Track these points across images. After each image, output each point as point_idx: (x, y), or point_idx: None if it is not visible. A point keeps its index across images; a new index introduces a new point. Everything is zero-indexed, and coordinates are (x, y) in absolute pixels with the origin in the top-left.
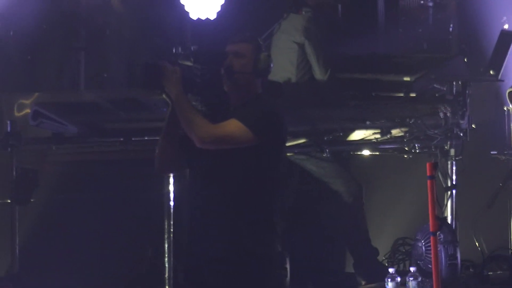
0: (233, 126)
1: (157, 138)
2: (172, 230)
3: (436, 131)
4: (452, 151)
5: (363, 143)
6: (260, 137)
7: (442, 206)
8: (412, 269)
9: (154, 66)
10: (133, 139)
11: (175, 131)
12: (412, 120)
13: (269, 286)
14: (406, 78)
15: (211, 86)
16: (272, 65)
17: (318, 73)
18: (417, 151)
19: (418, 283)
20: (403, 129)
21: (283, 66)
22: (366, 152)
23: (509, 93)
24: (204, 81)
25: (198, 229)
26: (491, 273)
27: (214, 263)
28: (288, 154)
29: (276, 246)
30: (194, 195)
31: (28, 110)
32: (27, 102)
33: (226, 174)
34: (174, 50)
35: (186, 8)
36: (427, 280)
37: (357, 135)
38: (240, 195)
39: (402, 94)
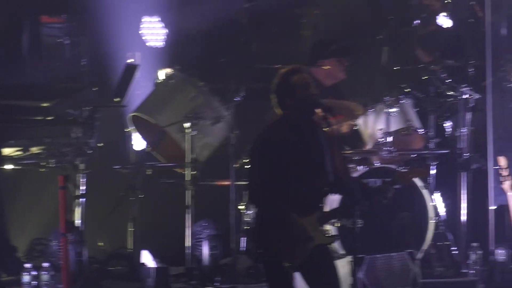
0: None
1: None
2: None
3: (68, 149)
4: (82, 166)
5: (9, 159)
6: None
7: (73, 212)
8: (46, 264)
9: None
10: None
11: None
12: (49, 140)
13: None
14: (45, 104)
15: None
16: None
17: None
18: (53, 165)
19: (51, 276)
20: (41, 147)
21: None
22: (8, 166)
23: (130, 117)
24: None
25: None
26: (112, 268)
27: None
28: None
29: None
30: None
31: None
32: None
33: None
34: None
35: None
36: (59, 274)
37: (5, 152)
38: None
39: (41, 118)
